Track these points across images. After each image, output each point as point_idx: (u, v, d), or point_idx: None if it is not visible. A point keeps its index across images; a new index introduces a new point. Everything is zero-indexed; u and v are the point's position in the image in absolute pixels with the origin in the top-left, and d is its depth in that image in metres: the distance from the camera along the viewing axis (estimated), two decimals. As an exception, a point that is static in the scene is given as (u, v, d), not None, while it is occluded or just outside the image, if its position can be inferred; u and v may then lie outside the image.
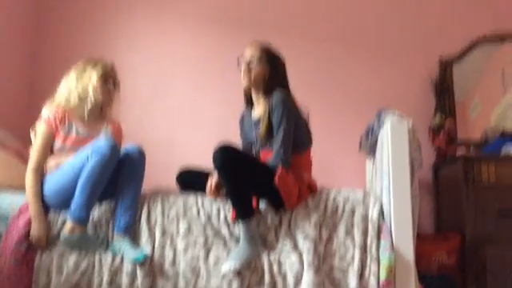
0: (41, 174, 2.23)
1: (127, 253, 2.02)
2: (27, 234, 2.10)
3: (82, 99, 2.32)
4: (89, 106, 2.32)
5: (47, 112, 2.30)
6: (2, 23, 3.31)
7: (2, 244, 2.11)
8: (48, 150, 2.28)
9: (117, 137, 2.44)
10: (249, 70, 2.30)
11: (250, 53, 2.33)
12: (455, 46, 3.38)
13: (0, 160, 2.55)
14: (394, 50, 3.47)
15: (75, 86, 2.32)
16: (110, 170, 2.10)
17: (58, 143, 2.28)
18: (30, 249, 2.09)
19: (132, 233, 2.12)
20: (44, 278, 2.04)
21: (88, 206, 2.08)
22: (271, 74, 2.31)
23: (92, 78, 2.32)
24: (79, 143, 2.28)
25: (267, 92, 2.29)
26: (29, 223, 2.12)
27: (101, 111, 2.42)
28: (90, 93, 2.32)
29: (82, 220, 2.07)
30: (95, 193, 2.09)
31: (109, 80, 2.37)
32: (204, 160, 2.22)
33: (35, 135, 2.31)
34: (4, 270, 2.04)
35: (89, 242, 2.08)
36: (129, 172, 2.17)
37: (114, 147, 2.09)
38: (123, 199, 2.14)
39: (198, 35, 3.63)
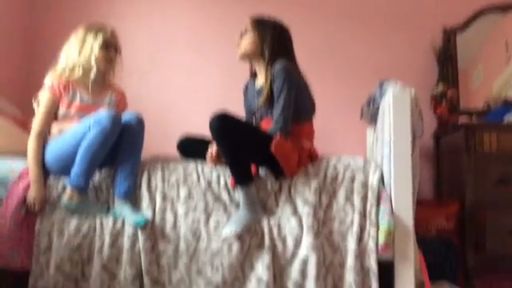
0: (43, 140, 2.24)
1: (128, 217, 2.04)
2: (26, 198, 2.12)
3: (85, 69, 2.31)
4: (92, 76, 2.32)
5: (50, 80, 2.29)
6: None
7: (1, 208, 2.13)
8: (51, 116, 2.28)
9: (121, 104, 2.46)
10: (239, 42, 2.33)
11: (244, 25, 2.34)
12: (459, 15, 3.33)
13: (0, 127, 2.56)
14: (398, 19, 3.42)
15: (77, 56, 2.31)
16: (111, 141, 2.11)
17: (62, 110, 2.28)
18: (30, 212, 2.11)
19: (133, 198, 2.14)
20: (45, 241, 2.06)
21: (86, 175, 2.09)
22: (264, 43, 2.29)
23: (94, 47, 2.30)
24: (83, 110, 2.29)
25: (269, 62, 2.27)
26: (28, 188, 2.13)
27: (104, 78, 2.42)
28: (93, 63, 2.31)
29: (80, 188, 2.08)
30: (94, 162, 2.10)
31: (110, 47, 2.36)
32: (204, 129, 2.22)
33: (38, 104, 2.31)
34: (4, 232, 2.07)
35: (88, 207, 2.10)
36: (128, 140, 2.17)
37: (116, 119, 2.09)
38: (123, 166, 2.15)
39: (198, 4, 3.57)
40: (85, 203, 2.10)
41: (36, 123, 2.25)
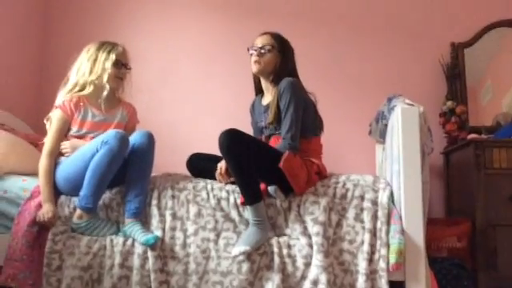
0: (55, 159, 2.25)
1: (138, 236, 2.04)
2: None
3: (97, 87, 2.34)
4: (104, 93, 2.34)
5: (62, 98, 2.32)
6: (10, 13, 3.31)
7: (14, 227, 2.14)
8: (62, 135, 2.30)
9: (132, 119, 2.48)
10: (260, 57, 2.32)
11: (262, 41, 2.35)
12: (467, 31, 3.34)
13: (12, 146, 2.58)
14: (406, 36, 3.44)
15: (89, 74, 2.33)
16: (119, 161, 2.12)
17: (74, 129, 2.31)
18: (42, 231, 2.11)
19: (143, 217, 2.14)
20: (56, 260, 2.06)
21: (95, 196, 2.10)
22: (282, 62, 2.32)
23: (106, 65, 2.32)
24: (95, 128, 2.32)
25: (276, 80, 2.30)
26: (40, 206, 2.15)
27: (114, 94, 2.45)
28: (105, 81, 2.33)
29: (88, 209, 2.09)
30: (102, 183, 2.11)
31: (122, 65, 2.39)
32: (212, 147, 2.23)
33: (50, 123, 2.33)
34: (16, 251, 2.07)
35: (97, 228, 2.11)
36: (138, 158, 2.18)
37: (123, 139, 2.11)
38: (133, 185, 2.15)
39: (206, 21, 3.61)
40: (94, 223, 2.11)
41: (47, 142, 2.27)
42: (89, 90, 2.32)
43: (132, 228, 2.07)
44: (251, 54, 2.35)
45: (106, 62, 2.33)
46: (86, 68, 2.34)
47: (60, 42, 3.66)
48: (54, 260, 2.06)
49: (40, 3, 3.67)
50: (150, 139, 2.22)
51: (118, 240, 2.08)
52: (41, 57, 3.65)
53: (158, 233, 2.08)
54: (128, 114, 2.47)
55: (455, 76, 3.29)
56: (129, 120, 2.47)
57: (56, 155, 2.27)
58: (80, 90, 2.33)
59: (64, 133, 2.31)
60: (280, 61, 2.32)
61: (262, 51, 2.32)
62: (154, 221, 2.12)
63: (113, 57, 2.34)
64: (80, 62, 2.38)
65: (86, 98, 2.34)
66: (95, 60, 2.34)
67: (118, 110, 2.44)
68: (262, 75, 2.38)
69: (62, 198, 2.21)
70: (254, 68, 2.34)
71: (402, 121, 2.02)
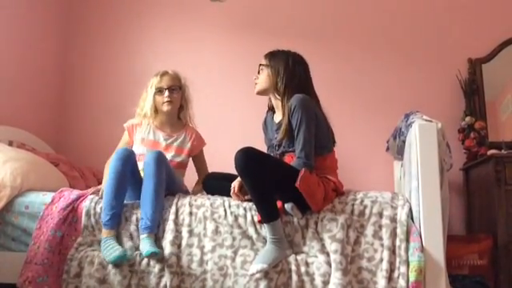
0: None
1: (144, 249, 2.04)
2: (62, 221, 2.21)
3: (151, 114, 2.55)
4: (151, 119, 2.56)
5: (130, 121, 2.61)
6: (28, 37, 3.40)
7: (35, 231, 2.23)
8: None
9: (194, 142, 2.62)
10: (257, 78, 2.37)
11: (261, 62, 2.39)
12: (485, 46, 3.32)
13: (33, 164, 2.63)
14: (423, 51, 3.43)
15: (147, 101, 2.56)
16: (122, 175, 2.20)
17: (135, 147, 2.51)
18: (65, 237, 2.18)
19: (155, 233, 2.14)
20: (75, 268, 2.10)
21: (106, 209, 2.16)
22: (280, 78, 2.29)
23: (150, 94, 2.54)
24: (152, 147, 2.49)
25: (285, 96, 2.27)
26: (63, 210, 2.23)
27: (178, 119, 2.65)
28: (147, 109, 2.54)
29: (104, 223, 2.15)
30: (113, 197, 2.17)
31: (164, 90, 2.53)
32: (227, 165, 2.24)
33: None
34: (38, 255, 2.13)
35: (106, 247, 2.10)
36: (145, 176, 2.23)
37: (122, 153, 2.24)
38: (142, 202, 2.18)
39: (222, 42, 3.65)
40: (106, 240, 2.11)
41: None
42: (150, 115, 2.55)
43: (142, 242, 2.08)
44: None
45: (151, 90, 2.55)
46: (145, 96, 2.59)
47: (82, 65, 3.73)
48: (73, 267, 2.10)
49: (59, 19, 3.73)
50: (154, 158, 2.24)
51: (136, 257, 2.10)
52: (62, 80, 3.71)
53: (174, 248, 2.08)
54: (190, 140, 2.60)
55: (473, 91, 3.26)
56: (191, 144, 2.60)
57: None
58: (144, 114, 2.57)
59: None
60: (276, 76, 2.30)
61: (259, 73, 2.37)
62: (171, 236, 2.12)
63: (162, 83, 2.55)
64: (146, 90, 2.62)
65: (148, 121, 2.57)
66: (150, 88, 2.57)
67: (181, 135, 2.60)
68: (263, 95, 2.40)
69: (89, 208, 2.26)
70: (255, 90, 2.40)
71: (420, 137, 2.01)
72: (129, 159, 2.26)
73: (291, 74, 2.30)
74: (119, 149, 2.35)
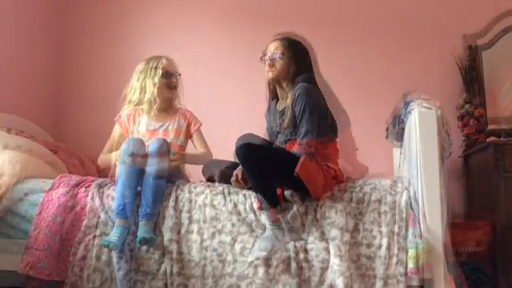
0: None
1: (138, 234, 2.05)
2: (63, 206, 2.21)
3: (151, 100, 2.48)
4: (157, 104, 2.49)
5: (121, 111, 2.55)
6: (27, 20, 3.38)
7: (36, 217, 2.23)
8: (113, 143, 2.51)
9: (192, 123, 2.57)
10: (273, 64, 2.31)
11: (273, 47, 2.34)
12: (478, 22, 3.32)
13: (32, 152, 2.63)
14: (422, 37, 3.42)
15: (141, 89, 2.50)
16: (129, 166, 2.18)
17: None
18: (65, 223, 2.18)
19: (155, 220, 2.14)
20: (82, 251, 2.12)
21: (117, 199, 2.14)
22: (295, 66, 2.30)
23: (155, 81, 2.48)
24: (151, 136, 2.43)
25: (291, 84, 2.29)
26: (63, 196, 2.24)
27: (171, 105, 2.60)
28: (156, 94, 2.48)
29: (115, 211, 2.13)
30: (123, 189, 2.14)
31: (170, 77, 2.52)
32: (228, 153, 2.24)
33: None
34: (38, 240, 2.15)
35: (117, 233, 2.10)
36: (148, 163, 2.21)
37: (130, 142, 2.22)
38: (144, 189, 2.17)
39: (221, 27, 3.64)
40: (118, 228, 2.10)
41: (104, 150, 2.53)
42: (143, 103, 2.50)
43: (141, 229, 2.08)
44: (264, 63, 2.35)
45: (156, 77, 2.48)
46: (139, 83, 2.52)
47: (79, 52, 3.72)
48: (79, 250, 2.12)
49: (58, 10, 3.72)
50: (156, 145, 2.23)
51: (136, 243, 2.10)
52: (59, 67, 3.70)
53: (173, 235, 2.09)
54: (185, 121, 2.56)
55: (473, 79, 3.25)
56: (187, 125, 2.56)
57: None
58: (137, 102, 2.52)
59: (115, 142, 2.50)
60: (293, 64, 2.30)
61: (274, 60, 2.31)
62: (171, 223, 2.13)
63: (159, 71, 2.49)
64: (132, 82, 2.55)
65: (141, 109, 2.52)
66: (145, 77, 2.51)
67: (174, 119, 2.54)
68: (276, 83, 2.37)
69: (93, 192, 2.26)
70: (268, 76, 2.34)
71: (420, 125, 2.01)
72: (140, 150, 2.23)
73: (302, 62, 2.31)
74: (130, 138, 2.30)
